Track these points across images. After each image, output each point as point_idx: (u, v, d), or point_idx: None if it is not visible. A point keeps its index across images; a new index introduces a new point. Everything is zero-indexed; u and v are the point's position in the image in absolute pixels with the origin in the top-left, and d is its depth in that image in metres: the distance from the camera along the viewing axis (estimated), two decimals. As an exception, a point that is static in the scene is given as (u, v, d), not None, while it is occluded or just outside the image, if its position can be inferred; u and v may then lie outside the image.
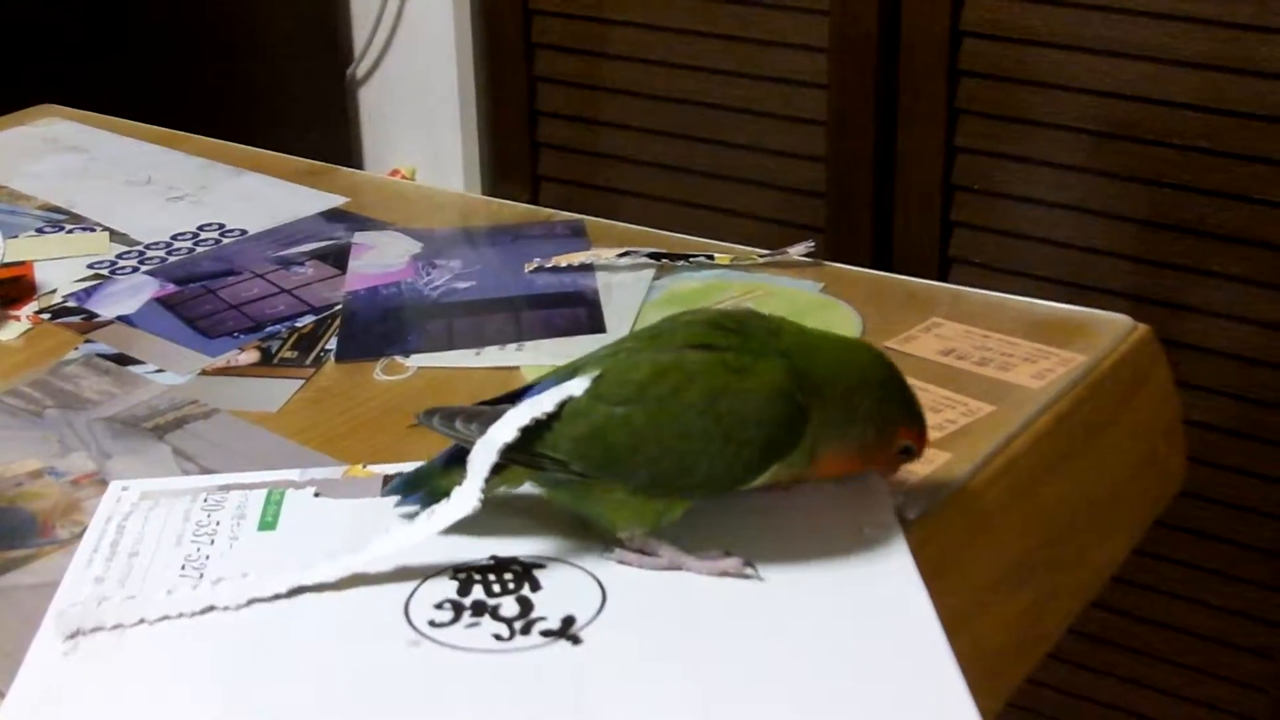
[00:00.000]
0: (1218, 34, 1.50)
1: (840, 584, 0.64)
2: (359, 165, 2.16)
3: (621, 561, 0.65)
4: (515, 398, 0.69)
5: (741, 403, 0.64)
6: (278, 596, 0.64)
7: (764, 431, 0.64)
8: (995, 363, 0.84)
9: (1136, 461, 0.86)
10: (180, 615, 0.63)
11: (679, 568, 0.65)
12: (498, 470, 0.67)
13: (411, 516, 0.69)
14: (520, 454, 0.66)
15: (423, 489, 0.70)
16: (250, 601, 0.64)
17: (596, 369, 0.68)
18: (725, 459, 0.64)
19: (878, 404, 0.67)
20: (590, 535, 0.67)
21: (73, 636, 0.62)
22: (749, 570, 0.65)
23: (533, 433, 0.66)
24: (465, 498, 0.65)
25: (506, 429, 0.66)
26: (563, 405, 0.67)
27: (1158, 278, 1.60)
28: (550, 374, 0.70)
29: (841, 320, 0.90)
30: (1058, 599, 0.78)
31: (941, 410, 0.79)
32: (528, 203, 1.43)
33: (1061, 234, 1.64)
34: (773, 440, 0.65)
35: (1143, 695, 1.73)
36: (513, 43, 1.96)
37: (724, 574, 0.65)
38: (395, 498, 0.71)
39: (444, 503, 0.66)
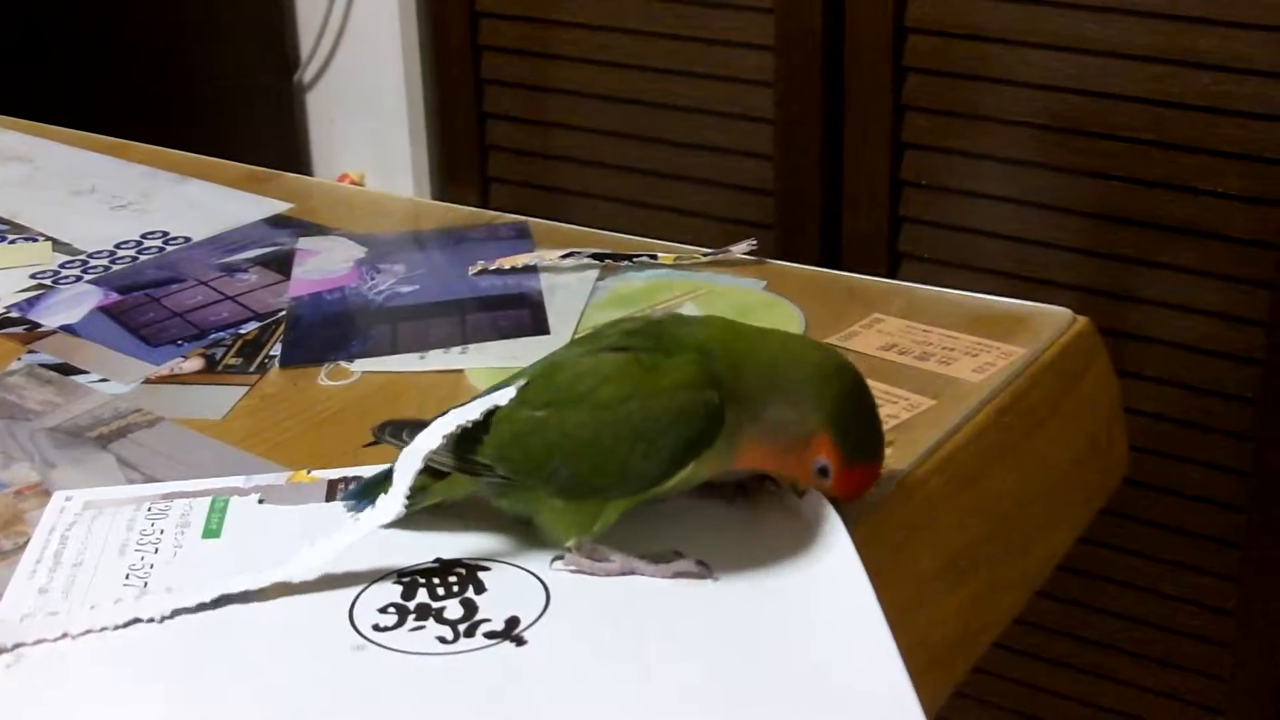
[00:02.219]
0: (1160, 27, 1.51)
1: (783, 579, 0.65)
2: (307, 171, 2.15)
3: (575, 569, 0.65)
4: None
5: (652, 401, 0.64)
6: (202, 607, 0.64)
7: (675, 428, 0.64)
8: (936, 357, 0.85)
9: (1078, 453, 0.87)
10: (104, 629, 0.63)
11: (632, 572, 0.65)
12: (440, 477, 0.67)
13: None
14: (455, 460, 0.67)
15: (372, 496, 0.69)
16: (175, 613, 0.63)
17: (528, 376, 0.68)
18: (638, 457, 0.64)
19: (801, 400, 0.65)
20: (537, 540, 0.67)
21: None
22: (704, 570, 0.65)
23: (467, 439, 0.67)
24: (389, 504, 0.66)
25: (432, 437, 0.67)
26: (490, 413, 0.67)
27: (1106, 269, 1.61)
28: (501, 381, 0.70)
29: (784, 317, 0.91)
30: (1001, 590, 0.79)
31: (883, 405, 0.79)
32: (478, 205, 1.43)
33: (1010, 227, 1.65)
34: (685, 436, 0.64)
35: (1099, 685, 1.74)
36: (459, 45, 1.96)
37: (678, 576, 0.65)
38: (348, 504, 0.71)
39: (369, 510, 0.66)
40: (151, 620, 0.63)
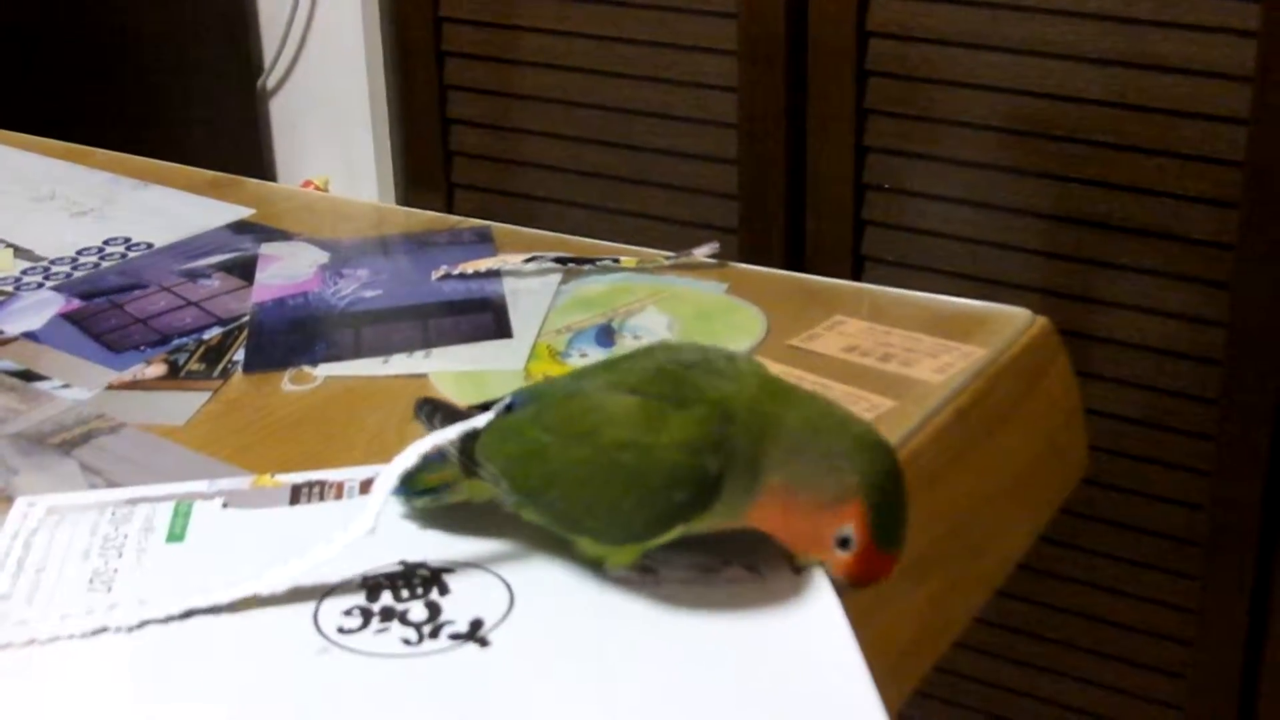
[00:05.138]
0: (1120, 30, 1.52)
1: (745, 579, 0.65)
2: (271, 177, 2.15)
3: (624, 580, 0.64)
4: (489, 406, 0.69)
5: (647, 455, 0.61)
6: (170, 619, 0.64)
7: (665, 491, 0.61)
8: (898, 358, 0.85)
9: (1038, 452, 0.87)
10: (70, 637, 0.63)
11: (685, 581, 0.64)
12: (472, 474, 0.67)
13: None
14: (470, 463, 0.67)
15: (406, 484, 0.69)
16: (142, 624, 0.64)
17: (547, 393, 0.67)
18: (626, 510, 0.62)
19: (838, 465, 0.60)
20: (503, 543, 0.67)
21: None
22: (754, 575, 0.64)
23: (484, 443, 0.67)
24: (361, 522, 0.65)
25: (408, 457, 0.66)
26: (466, 435, 0.67)
27: (1067, 272, 1.62)
28: (522, 390, 0.70)
29: (746, 320, 0.91)
30: (962, 589, 0.79)
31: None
32: (443, 211, 1.43)
33: (972, 231, 1.66)
34: (673, 501, 0.61)
35: (1062, 684, 1.75)
36: (423, 51, 1.96)
37: (731, 581, 0.64)
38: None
39: (340, 531, 0.65)
40: (118, 630, 0.63)
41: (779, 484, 0.61)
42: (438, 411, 0.70)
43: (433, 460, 0.68)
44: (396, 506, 0.69)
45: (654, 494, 0.61)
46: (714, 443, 0.61)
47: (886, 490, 0.60)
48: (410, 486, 0.69)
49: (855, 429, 0.62)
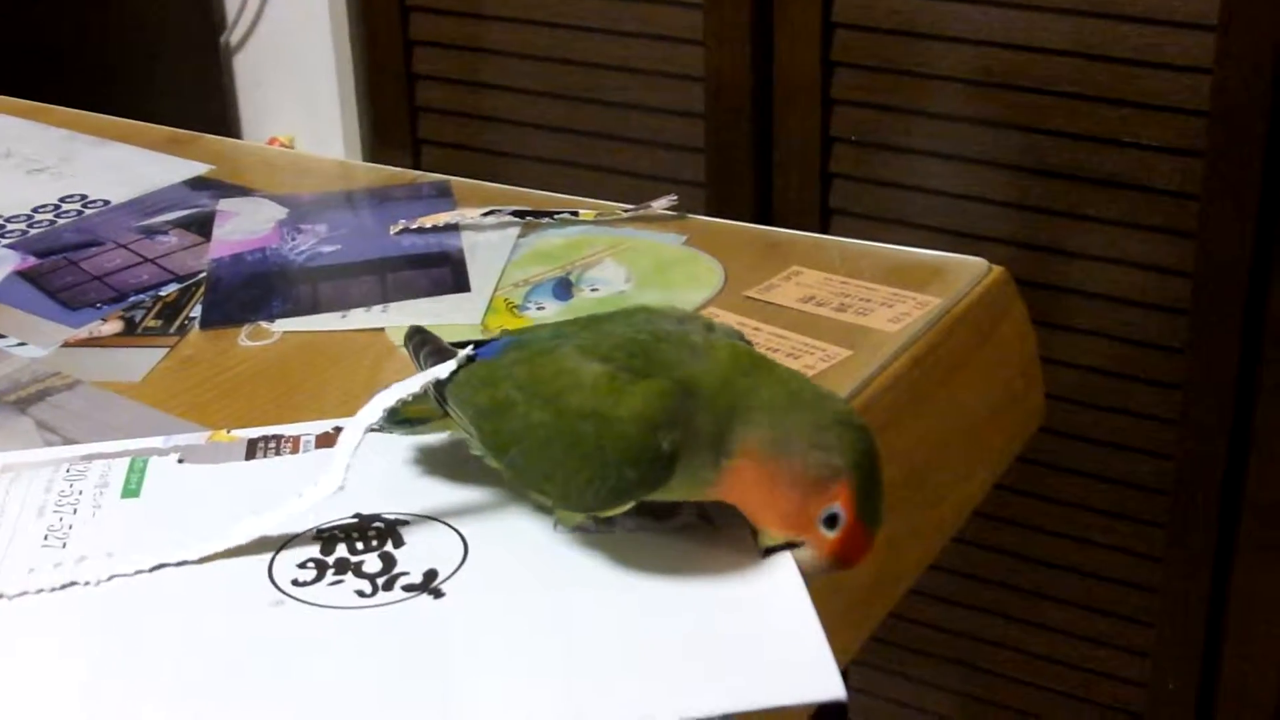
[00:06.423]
0: (1085, -21, 1.52)
1: (696, 527, 0.65)
2: (236, 135, 2.13)
3: (580, 528, 0.65)
4: (479, 344, 0.69)
5: (605, 427, 0.61)
6: (140, 573, 0.64)
7: (619, 466, 0.60)
8: (854, 308, 0.86)
9: (994, 400, 0.87)
10: (40, 591, 0.63)
11: (638, 529, 0.65)
12: (447, 414, 0.68)
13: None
14: (443, 401, 0.67)
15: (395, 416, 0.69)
16: (112, 577, 0.64)
17: (526, 344, 0.67)
18: (581, 480, 0.62)
19: (822, 443, 0.59)
20: (457, 494, 0.68)
21: None
22: (705, 522, 0.64)
23: (460, 386, 0.67)
24: (330, 478, 0.65)
25: (373, 411, 0.66)
26: (432, 385, 0.67)
27: (1035, 223, 1.62)
28: (504, 333, 0.70)
29: (704, 271, 0.91)
30: (917, 537, 0.80)
31: (800, 356, 0.80)
32: (409, 167, 1.43)
33: (940, 182, 1.66)
34: (627, 477, 0.60)
35: (1030, 632, 1.76)
36: (387, 5, 1.95)
37: (685, 527, 0.64)
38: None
39: (310, 486, 0.65)
40: (86, 584, 0.63)
41: (751, 459, 0.60)
42: (425, 344, 0.70)
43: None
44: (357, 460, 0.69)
45: (606, 469, 0.61)
46: (670, 420, 0.60)
47: (870, 470, 0.60)
48: (391, 416, 0.68)
49: (834, 406, 0.61)
